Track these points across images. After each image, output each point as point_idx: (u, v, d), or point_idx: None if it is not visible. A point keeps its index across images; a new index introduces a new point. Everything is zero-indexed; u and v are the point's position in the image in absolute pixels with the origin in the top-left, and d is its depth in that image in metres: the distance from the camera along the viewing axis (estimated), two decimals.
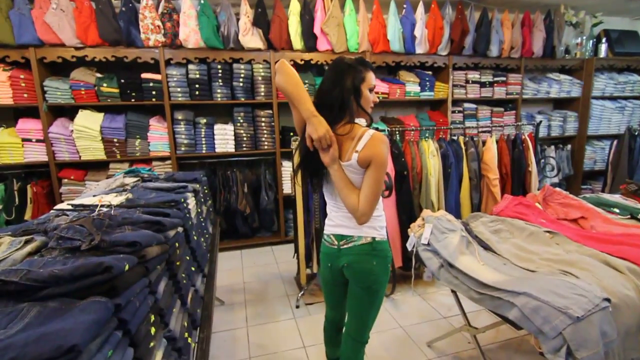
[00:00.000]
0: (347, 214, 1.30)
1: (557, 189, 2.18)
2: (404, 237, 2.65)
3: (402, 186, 2.61)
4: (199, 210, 2.04)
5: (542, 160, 3.50)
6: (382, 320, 2.35)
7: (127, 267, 0.78)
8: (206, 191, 2.44)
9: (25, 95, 3.03)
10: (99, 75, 3.20)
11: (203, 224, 2.09)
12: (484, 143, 3.01)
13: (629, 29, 4.78)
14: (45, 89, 3.06)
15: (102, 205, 1.38)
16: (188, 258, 1.46)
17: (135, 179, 2.01)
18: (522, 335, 2.10)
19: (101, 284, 0.69)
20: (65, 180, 3.20)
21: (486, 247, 1.72)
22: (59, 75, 3.20)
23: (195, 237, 1.66)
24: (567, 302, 1.17)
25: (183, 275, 1.25)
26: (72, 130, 3.12)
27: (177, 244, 1.23)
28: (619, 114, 4.70)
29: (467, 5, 3.90)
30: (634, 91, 4.72)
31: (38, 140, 3.12)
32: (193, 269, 1.48)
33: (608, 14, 4.52)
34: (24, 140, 3.10)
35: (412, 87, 3.95)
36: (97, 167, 3.32)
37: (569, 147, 4.75)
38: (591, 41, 4.57)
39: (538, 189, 3.17)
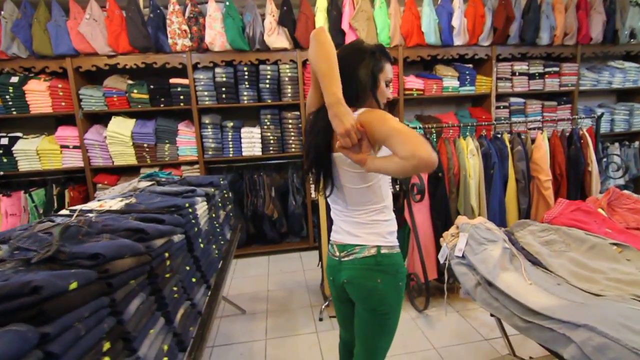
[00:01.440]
0: (354, 218, 1.13)
1: (626, 191, 1.83)
2: (439, 246, 2.39)
3: (436, 189, 2.35)
4: (214, 215, 1.94)
5: (605, 160, 3.05)
6: (413, 339, 2.11)
7: (73, 286, 0.65)
8: (226, 195, 2.35)
9: (63, 103, 3.15)
10: (130, 82, 3.26)
11: (219, 230, 1.98)
12: (533, 140, 2.66)
13: None
14: (81, 97, 3.17)
15: (99, 211, 1.30)
16: (188, 268, 1.34)
17: (150, 182, 1.96)
18: None
19: (28, 307, 0.57)
20: (100, 185, 3.28)
21: (535, 262, 1.44)
22: (95, 83, 3.31)
23: (202, 245, 1.54)
24: None
25: (175, 288, 1.12)
26: (105, 137, 3.20)
27: (166, 254, 1.11)
28: None
29: None
30: None
31: (75, 147, 3.23)
32: (194, 280, 1.36)
33: None
34: (62, 147, 3.22)
35: (450, 81, 3.65)
36: (129, 172, 3.37)
37: (636, 144, 4.16)
38: None
39: (600, 192, 2.75)
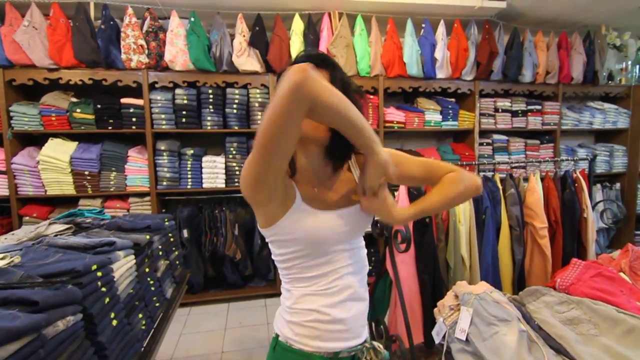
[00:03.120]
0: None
1: None
2: (426, 303, 2.03)
3: (423, 237, 2.02)
4: (147, 270, 1.51)
5: (597, 205, 2.85)
6: None
7: None
8: (172, 240, 1.92)
9: None
10: (74, 99, 2.83)
11: (154, 289, 1.55)
12: (525, 181, 2.42)
13: None
14: (12, 114, 2.70)
15: None
16: None
17: (65, 226, 1.52)
18: None
19: None
20: (27, 217, 2.76)
21: (559, 351, 1.11)
22: (33, 99, 2.85)
23: (115, 322, 1.11)
24: None
25: None
26: (38, 161, 2.72)
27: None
28: None
29: (495, 25, 3.44)
30: None
31: (0, 172, 2.72)
32: None
33: None
34: None
35: (432, 115, 3.44)
36: (65, 203, 2.87)
37: (618, 185, 4.06)
38: (638, 66, 4.01)
39: (608, 247, 2.52)
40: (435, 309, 1.32)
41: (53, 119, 2.75)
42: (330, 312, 0.85)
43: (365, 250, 0.98)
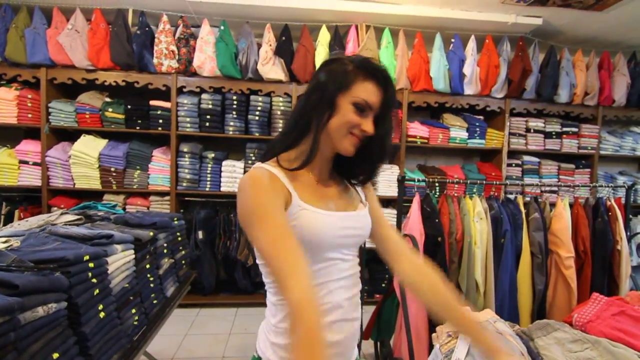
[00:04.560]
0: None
1: None
2: (433, 327, 1.92)
3: (435, 257, 1.92)
4: (148, 266, 1.53)
5: (634, 237, 2.62)
6: None
7: None
8: (179, 239, 1.95)
9: (30, 115, 2.87)
10: (108, 99, 2.99)
11: (153, 286, 1.56)
12: (552, 206, 2.26)
13: None
14: (50, 110, 2.89)
15: None
16: (57, 356, 0.91)
17: (76, 217, 1.57)
18: None
19: None
20: (55, 208, 2.91)
21: None
22: (70, 98, 3.04)
23: (102, 314, 1.12)
24: None
25: None
26: (69, 155, 2.87)
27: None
28: None
29: (529, 42, 3.30)
30: None
31: (35, 164, 2.91)
32: None
33: None
34: (21, 162, 2.90)
35: (457, 132, 3.33)
36: (92, 197, 2.99)
37: None
38: None
39: (631, 277, 2.30)
40: (434, 334, 1.23)
41: (87, 116, 2.91)
42: None
43: (359, 268, 0.91)
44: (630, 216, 3.63)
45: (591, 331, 1.19)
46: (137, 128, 2.96)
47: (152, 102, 2.95)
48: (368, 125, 0.79)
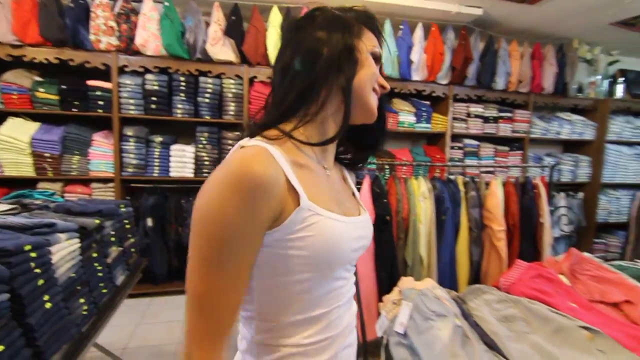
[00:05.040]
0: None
1: (586, 254, 1.62)
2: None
3: (382, 235, 2.05)
4: (95, 255, 1.48)
5: (556, 210, 2.95)
6: None
7: None
8: (127, 226, 1.88)
9: None
10: (38, 79, 2.73)
11: (101, 275, 1.51)
12: (487, 185, 2.48)
13: None
14: None
15: None
16: (2, 349, 0.88)
17: (10, 206, 1.47)
18: None
19: None
20: None
21: (491, 346, 1.14)
22: None
23: (49, 305, 1.08)
24: None
25: None
26: None
27: None
28: (636, 161, 4.20)
29: (471, 31, 3.50)
30: None
31: None
32: None
33: (626, 53, 4.13)
34: None
35: (406, 117, 3.49)
36: (25, 185, 2.75)
37: (580, 194, 4.22)
38: (606, 81, 4.17)
39: (552, 246, 2.61)
40: (380, 303, 1.34)
41: (14, 97, 2.65)
42: None
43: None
44: (554, 193, 4.08)
45: (514, 292, 1.36)
46: (74, 110, 2.75)
47: (90, 82, 2.75)
48: (384, 80, 0.69)
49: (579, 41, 3.90)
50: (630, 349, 1.10)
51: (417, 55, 3.33)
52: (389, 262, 2.04)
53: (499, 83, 3.60)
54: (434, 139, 3.82)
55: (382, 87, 0.69)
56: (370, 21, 0.68)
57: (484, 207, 2.39)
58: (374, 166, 2.82)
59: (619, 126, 4.13)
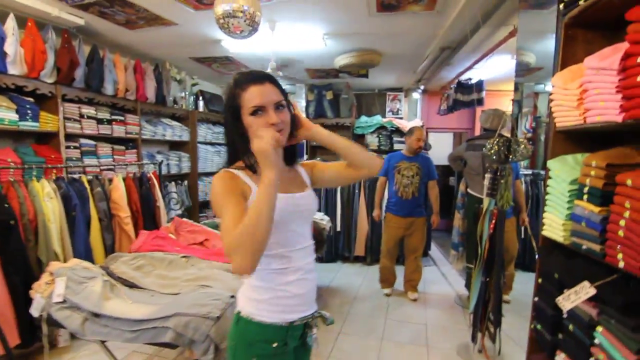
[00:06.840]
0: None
1: (184, 219, 2.52)
2: (19, 304, 2.05)
3: (9, 240, 2.00)
4: None
5: (167, 196, 3.87)
6: None
7: None
8: None
9: None
10: None
11: None
12: (110, 181, 2.92)
13: (217, 92, 6.27)
14: None
15: None
16: None
17: None
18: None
19: None
20: None
21: (132, 286, 1.69)
22: None
23: None
24: (208, 308, 1.39)
25: None
26: None
27: None
28: (217, 156, 6.04)
29: (74, 36, 3.65)
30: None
31: None
32: None
33: (203, 78, 5.75)
34: None
35: (6, 113, 3.13)
36: None
37: (185, 182, 5.52)
38: (192, 97, 5.63)
39: (168, 222, 3.48)
40: (31, 291, 1.53)
41: None
42: (289, 289, 1.03)
43: (313, 242, 1.16)
44: (166, 182, 5.10)
45: (141, 251, 1.98)
46: None
47: None
48: (272, 118, 1.02)
49: (170, 64, 5.03)
50: (206, 260, 2.02)
51: (12, 48, 3.08)
52: (21, 265, 2.04)
53: (108, 89, 4.00)
54: (45, 139, 3.65)
55: (272, 125, 1.07)
56: (245, 80, 1.06)
57: (111, 200, 2.83)
58: None
59: (204, 131, 5.74)
